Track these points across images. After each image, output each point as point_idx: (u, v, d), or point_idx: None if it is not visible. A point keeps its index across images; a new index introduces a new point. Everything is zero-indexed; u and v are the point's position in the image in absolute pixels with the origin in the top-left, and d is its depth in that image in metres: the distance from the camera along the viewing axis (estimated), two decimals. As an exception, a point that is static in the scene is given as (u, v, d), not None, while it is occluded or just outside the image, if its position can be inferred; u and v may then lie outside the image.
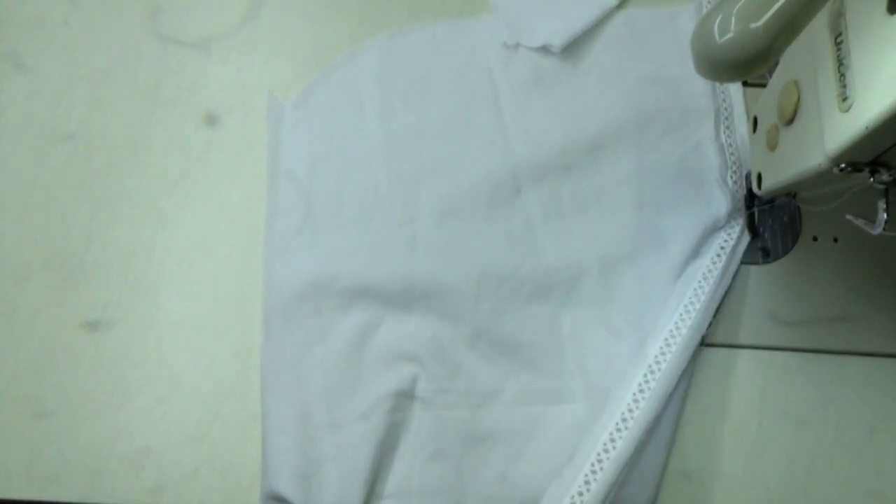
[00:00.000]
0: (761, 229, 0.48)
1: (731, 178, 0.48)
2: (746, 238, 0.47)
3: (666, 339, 0.44)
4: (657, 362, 0.43)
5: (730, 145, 0.49)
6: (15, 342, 0.48)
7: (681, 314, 0.44)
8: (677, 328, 0.44)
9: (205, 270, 0.49)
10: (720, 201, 0.48)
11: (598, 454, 0.41)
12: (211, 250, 0.50)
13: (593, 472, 0.40)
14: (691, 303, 0.45)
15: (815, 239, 0.47)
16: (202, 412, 0.47)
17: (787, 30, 0.28)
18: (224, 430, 0.46)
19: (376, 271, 0.48)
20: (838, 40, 0.30)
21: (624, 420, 0.42)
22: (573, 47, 0.52)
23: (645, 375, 0.43)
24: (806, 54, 0.33)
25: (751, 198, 0.48)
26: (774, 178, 0.39)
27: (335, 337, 0.46)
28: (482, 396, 0.45)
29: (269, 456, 0.44)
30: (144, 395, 0.47)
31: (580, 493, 0.40)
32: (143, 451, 0.46)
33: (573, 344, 0.46)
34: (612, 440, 0.41)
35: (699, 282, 0.45)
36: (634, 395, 0.42)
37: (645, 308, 0.46)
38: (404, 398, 0.45)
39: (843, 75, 0.29)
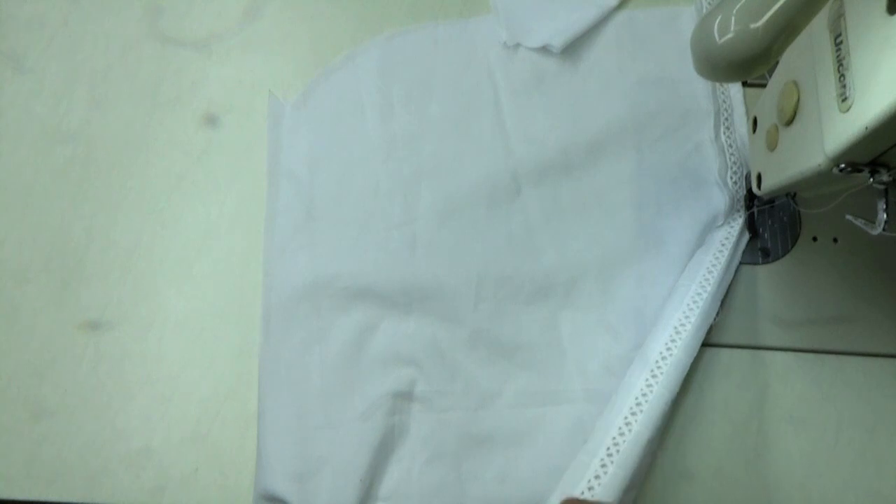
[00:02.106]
0: (761, 229, 0.48)
1: (731, 178, 0.48)
2: (746, 237, 0.47)
3: (676, 328, 0.43)
4: (668, 349, 0.43)
5: (730, 146, 0.49)
6: (15, 342, 0.48)
7: (689, 305, 0.44)
8: (686, 317, 0.44)
9: (205, 270, 0.49)
10: (720, 202, 0.48)
11: (614, 437, 0.40)
12: (211, 250, 0.50)
13: (609, 454, 0.39)
14: (699, 294, 0.44)
15: (815, 239, 0.47)
16: (202, 412, 0.47)
17: (786, 30, 0.28)
18: (224, 430, 0.46)
19: (376, 272, 0.48)
20: (838, 40, 0.30)
21: (638, 404, 0.41)
22: (573, 48, 0.52)
23: (657, 362, 0.42)
24: (806, 54, 0.33)
25: (751, 198, 0.48)
26: (774, 179, 0.39)
27: (334, 337, 0.47)
28: (481, 398, 0.45)
29: (265, 455, 0.44)
30: (144, 395, 0.47)
31: (597, 477, 0.39)
32: (143, 451, 0.46)
33: (572, 345, 0.46)
34: (627, 423, 0.40)
35: (704, 275, 0.45)
36: (647, 380, 0.42)
37: (644, 309, 0.46)
38: (403, 400, 0.45)
39: (842, 75, 0.29)
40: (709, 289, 0.44)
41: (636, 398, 0.41)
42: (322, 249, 0.49)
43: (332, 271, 0.48)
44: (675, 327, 0.43)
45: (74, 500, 0.45)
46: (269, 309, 0.48)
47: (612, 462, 0.39)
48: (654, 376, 0.42)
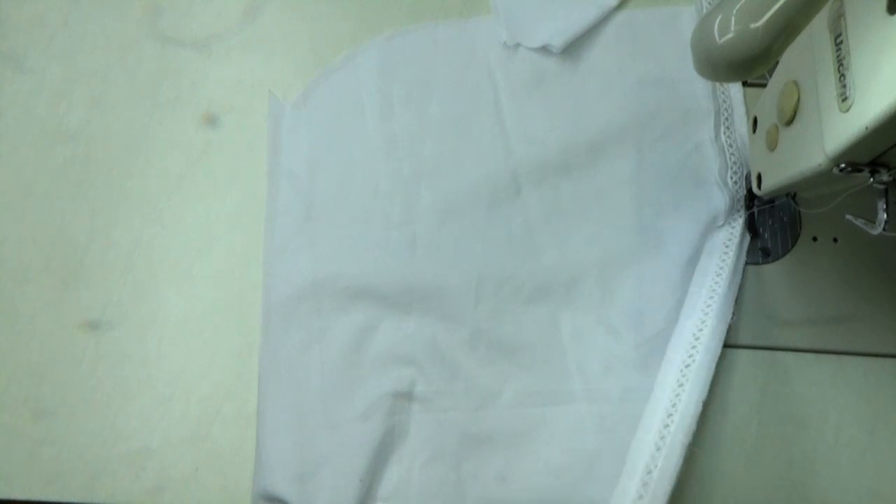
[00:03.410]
0: (761, 229, 0.48)
1: (731, 178, 0.48)
2: (747, 237, 0.47)
3: (695, 334, 0.43)
4: (690, 356, 0.43)
5: (730, 146, 0.49)
6: (15, 342, 0.48)
7: (703, 310, 0.44)
8: (703, 322, 0.44)
9: (205, 270, 0.50)
10: (720, 202, 0.48)
11: (652, 454, 0.40)
12: (211, 250, 0.50)
13: (649, 472, 0.40)
14: (710, 297, 0.44)
15: (815, 239, 0.47)
16: (202, 412, 0.47)
17: (787, 30, 0.28)
18: (224, 430, 0.46)
19: (376, 272, 0.48)
20: (838, 40, 0.30)
21: (670, 416, 0.41)
22: (573, 48, 0.52)
23: (682, 371, 0.42)
24: (806, 54, 0.33)
25: (751, 198, 0.48)
26: (774, 179, 0.39)
27: (334, 337, 0.47)
28: (481, 398, 0.45)
29: (264, 455, 0.44)
30: (144, 395, 0.47)
31: (640, 497, 0.39)
32: (143, 451, 0.46)
33: (573, 345, 0.46)
34: (662, 437, 0.41)
35: (713, 278, 0.45)
36: (675, 390, 0.42)
37: (644, 309, 0.46)
38: (403, 400, 0.45)
39: (842, 75, 0.29)
40: (719, 291, 0.44)
41: (668, 411, 0.41)
42: (322, 249, 0.49)
43: (332, 271, 0.48)
44: (694, 333, 0.44)
45: (74, 500, 0.45)
46: (269, 309, 0.48)
47: (652, 479, 0.39)
48: (680, 385, 0.42)
